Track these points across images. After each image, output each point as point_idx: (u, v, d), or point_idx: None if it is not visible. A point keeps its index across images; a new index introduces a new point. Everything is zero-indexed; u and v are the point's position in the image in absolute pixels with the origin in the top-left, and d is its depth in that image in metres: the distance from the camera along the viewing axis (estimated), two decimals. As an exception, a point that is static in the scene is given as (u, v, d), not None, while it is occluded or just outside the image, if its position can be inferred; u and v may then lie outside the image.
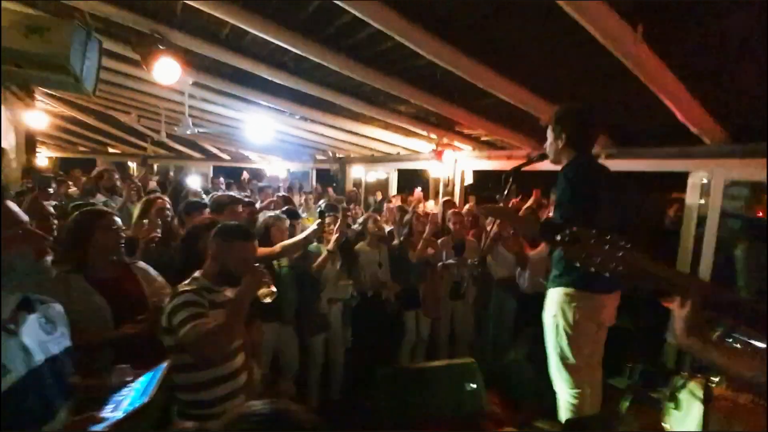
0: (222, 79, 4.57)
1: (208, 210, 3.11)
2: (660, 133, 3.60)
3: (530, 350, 3.32)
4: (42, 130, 7.52)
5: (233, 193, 4.59)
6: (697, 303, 1.07)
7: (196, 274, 1.80)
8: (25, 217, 1.23)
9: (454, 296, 3.76)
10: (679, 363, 3.33)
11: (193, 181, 6.70)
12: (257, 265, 1.81)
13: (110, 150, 11.26)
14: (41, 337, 1.14)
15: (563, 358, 2.16)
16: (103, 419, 1.07)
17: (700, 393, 2.26)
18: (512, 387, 3.24)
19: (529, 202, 4.56)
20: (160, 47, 3.36)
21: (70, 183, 5.97)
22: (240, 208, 3.11)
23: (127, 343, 1.70)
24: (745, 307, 1.10)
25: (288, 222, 3.17)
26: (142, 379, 1.19)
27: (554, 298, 2.15)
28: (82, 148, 11.18)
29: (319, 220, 3.11)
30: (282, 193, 6.35)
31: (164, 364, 1.23)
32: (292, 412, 0.76)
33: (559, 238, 1.16)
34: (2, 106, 5.09)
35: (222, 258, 1.78)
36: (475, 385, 2.90)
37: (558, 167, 2.18)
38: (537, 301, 2.72)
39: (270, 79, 4.05)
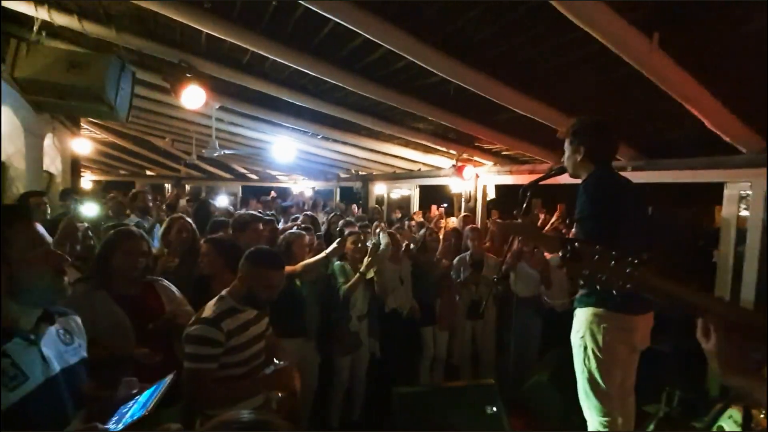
0: (247, 103, 4.78)
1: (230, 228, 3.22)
2: (692, 143, 3.44)
3: (555, 372, 3.18)
4: (86, 156, 8.06)
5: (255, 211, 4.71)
6: (722, 331, 0.90)
7: (224, 292, 1.87)
8: (49, 239, 1.32)
9: (473, 315, 3.67)
10: (725, 389, 3.09)
11: (222, 201, 7.03)
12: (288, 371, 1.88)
13: (148, 173, 11.89)
14: (59, 348, 1.20)
15: (592, 383, 2.03)
16: (105, 430, 1.10)
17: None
18: (536, 411, 3.09)
19: (554, 218, 4.44)
20: (188, 75, 3.57)
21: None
22: (261, 226, 3.19)
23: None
24: None
25: (307, 238, 3.21)
26: (146, 392, 1.22)
27: (582, 319, 2.04)
28: (122, 172, 11.89)
29: (339, 239, 3.14)
30: (307, 211, 6.47)
31: (167, 379, 1.26)
32: (274, 423, 0.76)
33: (560, 254, 1.11)
34: (52, 134, 5.51)
35: (249, 281, 1.84)
36: (495, 408, 2.79)
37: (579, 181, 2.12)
38: (563, 321, 2.61)
39: (291, 101, 4.21)
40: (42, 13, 2.94)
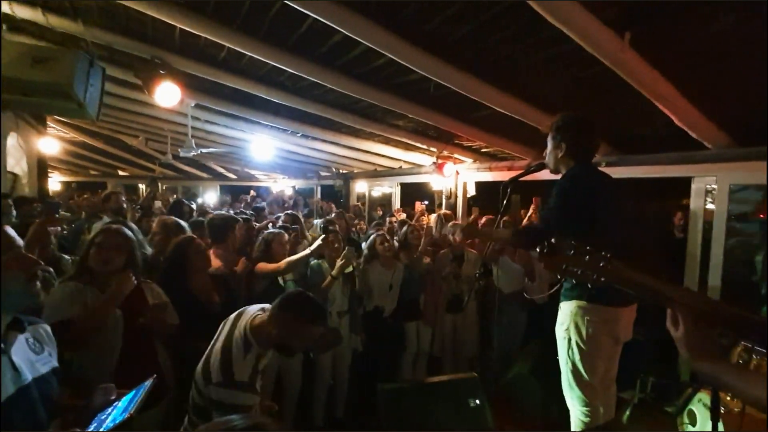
0: (223, 100, 4.68)
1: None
2: (662, 139, 3.56)
3: (535, 363, 3.25)
4: (54, 156, 7.74)
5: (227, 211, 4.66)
6: (690, 320, 0.95)
7: (250, 335, 1.64)
8: (20, 242, 1.27)
9: (454, 309, 3.70)
10: (694, 374, 3.22)
11: (210, 198, 7.05)
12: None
13: (120, 173, 11.52)
14: (30, 357, 1.17)
15: (576, 375, 2.08)
16: None
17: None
18: (518, 402, 3.15)
19: (530, 212, 4.53)
20: (161, 72, 3.46)
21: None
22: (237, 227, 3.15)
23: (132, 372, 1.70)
24: (748, 323, 0.96)
25: (286, 236, 3.18)
26: (125, 398, 1.20)
27: (567, 312, 2.08)
28: (93, 172, 11.48)
29: (323, 236, 3.12)
30: (289, 210, 6.38)
31: (147, 383, 1.23)
32: (265, 425, 0.77)
33: (538, 249, 1.14)
34: (16, 134, 5.26)
35: (284, 331, 1.62)
36: (478, 401, 2.83)
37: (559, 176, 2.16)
38: (545, 312, 2.66)
39: (269, 98, 4.14)
40: (3, 6, 2.81)
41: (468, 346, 3.84)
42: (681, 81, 2.59)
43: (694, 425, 2.78)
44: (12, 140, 5.11)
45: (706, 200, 3.53)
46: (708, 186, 3.50)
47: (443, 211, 5.22)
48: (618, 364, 2.23)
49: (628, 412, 2.48)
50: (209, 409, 1.56)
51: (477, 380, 2.92)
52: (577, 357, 2.05)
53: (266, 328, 1.64)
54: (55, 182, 10.14)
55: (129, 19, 3.07)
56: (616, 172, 4.02)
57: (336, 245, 3.23)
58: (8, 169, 5.02)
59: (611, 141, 3.99)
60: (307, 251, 2.99)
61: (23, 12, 2.91)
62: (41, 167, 6.58)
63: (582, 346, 2.03)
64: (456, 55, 2.75)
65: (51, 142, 6.68)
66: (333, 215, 5.30)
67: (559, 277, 1.10)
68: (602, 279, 1.04)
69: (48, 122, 6.46)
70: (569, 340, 2.07)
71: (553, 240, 1.10)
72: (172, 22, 2.79)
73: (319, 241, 3.01)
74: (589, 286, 1.06)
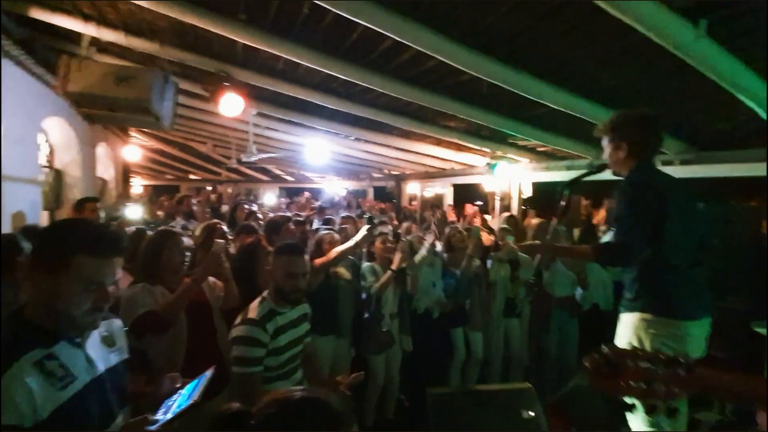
0: (282, 108, 4.92)
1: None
2: (747, 135, 3.20)
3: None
4: (135, 162, 8.58)
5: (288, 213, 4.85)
6: None
7: (265, 293, 1.91)
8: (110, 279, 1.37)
9: (509, 313, 3.59)
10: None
11: (269, 199, 7.47)
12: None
13: (191, 176, 12.49)
14: (102, 350, 1.28)
15: None
16: (155, 421, 1.18)
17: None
18: (576, 416, 2.98)
19: (598, 218, 4.25)
20: (225, 84, 3.72)
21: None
22: (292, 226, 3.28)
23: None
24: None
25: (337, 236, 3.26)
26: (189, 385, 1.30)
27: (628, 324, 1.94)
28: (168, 176, 12.55)
29: (368, 226, 3.13)
30: (345, 213, 6.51)
31: (208, 372, 1.32)
32: (324, 398, 0.78)
33: (587, 364, 0.87)
34: (105, 143, 5.91)
35: (275, 275, 1.88)
36: (533, 413, 2.72)
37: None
38: (603, 322, 2.48)
39: (323, 104, 4.28)
40: (90, 30, 3.16)
41: (521, 354, 3.70)
42: (766, 70, 2.31)
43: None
44: (101, 149, 5.74)
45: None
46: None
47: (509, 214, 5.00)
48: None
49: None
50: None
51: (532, 391, 2.81)
52: None
53: (272, 285, 1.90)
54: (137, 186, 11.21)
55: (197, 37, 3.33)
56: (694, 172, 3.69)
57: (388, 245, 3.25)
58: (98, 175, 5.66)
59: (687, 138, 3.65)
60: (352, 241, 2.99)
61: (108, 35, 3.26)
62: (125, 173, 7.34)
63: None
64: (511, 53, 2.67)
65: (133, 150, 7.41)
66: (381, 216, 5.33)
67: (621, 399, 0.85)
68: (676, 392, 0.81)
69: (130, 132, 7.18)
70: None
71: (606, 350, 0.86)
72: (234, 38, 2.99)
73: (364, 231, 3.02)
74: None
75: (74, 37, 3.46)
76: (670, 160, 3.82)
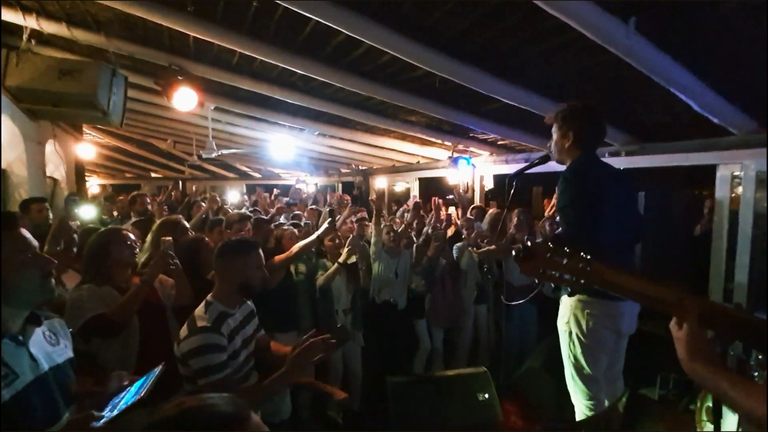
0: (240, 103, 4.83)
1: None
2: (685, 126, 3.40)
3: (548, 359, 3.20)
4: (91, 160, 8.20)
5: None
6: (695, 319, 0.92)
7: (209, 297, 1.76)
8: (35, 243, 1.38)
9: (479, 301, 3.75)
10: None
11: (233, 196, 7.51)
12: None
13: (153, 174, 12.05)
14: (46, 348, 1.27)
15: (577, 368, 2.06)
16: (101, 417, 1.18)
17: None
18: (528, 397, 3.13)
19: (547, 212, 4.42)
20: (179, 78, 3.62)
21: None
22: (248, 225, 3.25)
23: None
24: (753, 328, 0.93)
25: (296, 231, 3.27)
26: (137, 382, 1.30)
27: (567, 305, 2.07)
28: (128, 175, 12.06)
29: (330, 219, 3.17)
30: (312, 206, 6.49)
31: (156, 369, 1.32)
32: (243, 407, 0.74)
33: (514, 254, 1.08)
34: (53, 141, 5.62)
35: (237, 275, 1.76)
36: (487, 395, 2.84)
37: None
38: (557, 308, 2.59)
39: (283, 99, 4.24)
40: (30, 22, 3.00)
41: (487, 341, 3.83)
42: (695, 65, 2.48)
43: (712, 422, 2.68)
44: (50, 147, 5.46)
45: (732, 188, 3.35)
46: (734, 173, 3.32)
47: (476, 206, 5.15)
48: (632, 357, 2.18)
49: (624, 399, 2.41)
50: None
51: (487, 374, 2.92)
52: (578, 350, 2.03)
53: (221, 288, 1.79)
54: (94, 185, 10.71)
55: (147, 30, 3.23)
56: (638, 162, 3.89)
57: (336, 240, 3.28)
58: (48, 174, 5.38)
59: (631, 130, 3.85)
60: (314, 236, 3.04)
61: (49, 27, 3.11)
62: (79, 171, 7.00)
63: (582, 339, 2.01)
64: (459, 49, 2.74)
65: (87, 148, 7.07)
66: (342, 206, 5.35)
67: (537, 281, 1.05)
68: (582, 282, 1.00)
69: (84, 129, 6.85)
70: (570, 333, 2.05)
71: (528, 242, 1.05)
72: (184, 30, 2.91)
73: (326, 225, 3.05)
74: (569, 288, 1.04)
75: (14, 29, 3.28)
76: (617, 151, 4.02)
